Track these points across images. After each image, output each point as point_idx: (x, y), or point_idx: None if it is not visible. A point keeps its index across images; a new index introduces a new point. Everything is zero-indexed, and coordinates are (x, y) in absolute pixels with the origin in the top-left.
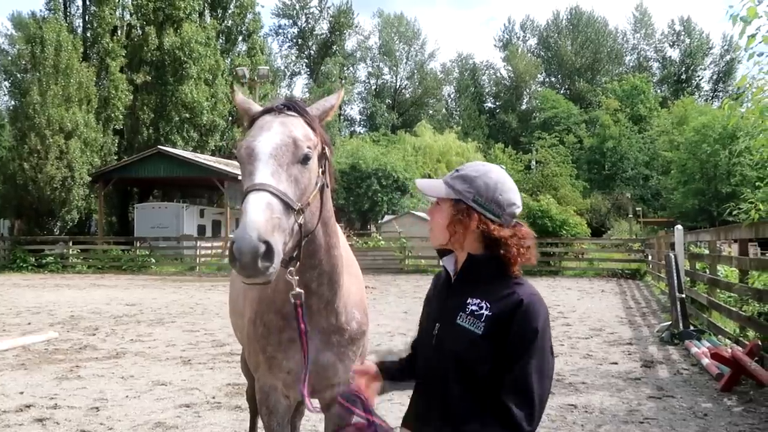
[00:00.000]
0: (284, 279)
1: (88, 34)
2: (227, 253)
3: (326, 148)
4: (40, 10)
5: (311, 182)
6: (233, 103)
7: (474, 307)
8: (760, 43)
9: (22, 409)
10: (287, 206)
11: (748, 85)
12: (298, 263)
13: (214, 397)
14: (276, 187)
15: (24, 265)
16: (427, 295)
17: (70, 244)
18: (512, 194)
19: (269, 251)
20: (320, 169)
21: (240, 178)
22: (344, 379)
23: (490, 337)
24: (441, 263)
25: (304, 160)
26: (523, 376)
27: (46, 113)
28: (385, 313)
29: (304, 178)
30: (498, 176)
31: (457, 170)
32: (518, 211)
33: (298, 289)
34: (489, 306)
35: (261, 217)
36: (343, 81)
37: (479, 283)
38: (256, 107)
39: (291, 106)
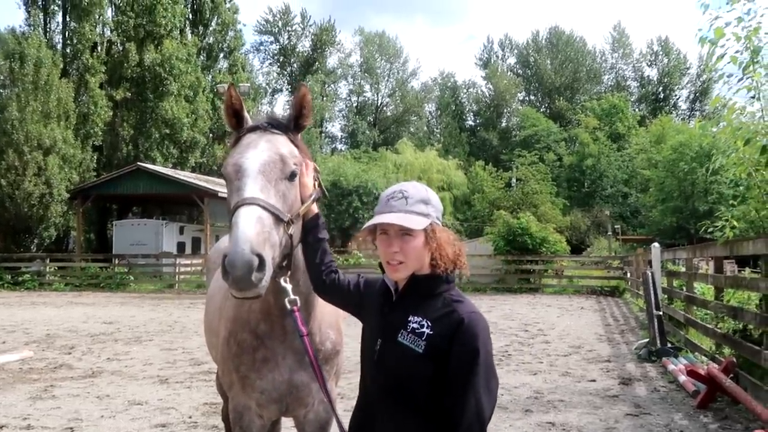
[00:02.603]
0: (258, 299)
1: (68, 50)
2: (219, 267)
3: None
4: (20, 26)
5: (298, 198)
6: (227, 102)
7: (415, 325)
8: (728, 63)
9: None
10: (277, 219)
11: (720, 106)
12: (289, 272)
13: (190, 417)
14: (266, 201)
15: (0, 283)
16: (363, 291)
17: (48, 261)
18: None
19: (262, 264)
20: (315, 182)
21: (221, 194)
22: (318, 398)
23: (431, 356)
24: (384, 278)
25: (291, 176)
26: (472, 395)
27: (24, 129)
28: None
29: (291, 194)
30: (428, 188)
31: (405, 196)
32: None
33: (293, 296)
34: (430, 324)
35: (252, 230)
36: (324, 98)
37: (421, 302)
38: (246, 115)
39: (275, 124)
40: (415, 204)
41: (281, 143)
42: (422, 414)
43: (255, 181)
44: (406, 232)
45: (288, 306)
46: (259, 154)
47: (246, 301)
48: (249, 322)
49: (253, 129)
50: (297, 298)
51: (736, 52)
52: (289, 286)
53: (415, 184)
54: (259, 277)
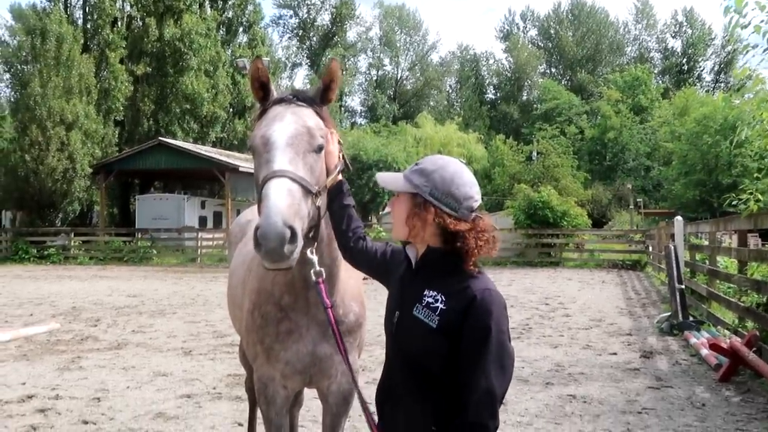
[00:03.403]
0: (282, 272)
1: (89, 26)
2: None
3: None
4: (41, 2)
5: (324, 170)
6: (253, 75)
7: (430, 300)
8: (752, 33)
9: (24, 399)
10: (306, 191)
11: (745, 77)
12: (315, 243)
13: (214, 388)
14: (295, 173)
15: (26, 257)
16: (389, 259)
17: (72, 235)
18: (468, 188)
19: (294, 236)
20: (340, 154)
21: (242, 169)
22: (341, 370)
23: (444, 332)
24: (406, 249)
25: (319, 149)
26: (482, 373)
27: (47, 105)
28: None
29: (318, 166)
30: (455, 170)
31: (416, 164)
32: (476, 204)
33: (319, 267)
34: (444, 299)
35: (284, 202)
36: (344, 72)
37: (437, 276)
38: (272, 88)
39: (301, 96)
40: (412, 173)
41: (307, 115)
42: (438, 390)
43: (284, 153)
44: (397, 195)
45: (313, 277)
46: (287, 126)
47: (270, 273)
48: (273, 295)
49: (279, 101)
50: (322, 269)
51: (761, 21)
52: (315, 258)
53: (434, 158)
54: (291, 249)
